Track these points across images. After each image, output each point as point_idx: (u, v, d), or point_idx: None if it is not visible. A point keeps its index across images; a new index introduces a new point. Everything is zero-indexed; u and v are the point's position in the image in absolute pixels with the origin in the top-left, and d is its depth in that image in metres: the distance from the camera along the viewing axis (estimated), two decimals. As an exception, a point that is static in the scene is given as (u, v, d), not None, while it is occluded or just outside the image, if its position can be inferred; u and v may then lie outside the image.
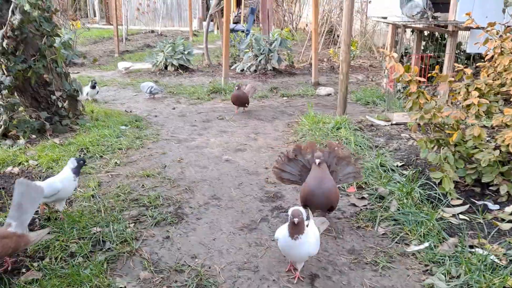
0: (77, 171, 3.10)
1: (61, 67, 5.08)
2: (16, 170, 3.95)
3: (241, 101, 5.93)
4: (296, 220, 2.27)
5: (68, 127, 5.04)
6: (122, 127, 5.23)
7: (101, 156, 4.28)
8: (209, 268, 2.58)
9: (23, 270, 2.53)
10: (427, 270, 2.53)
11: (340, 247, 2.79)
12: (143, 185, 3.69)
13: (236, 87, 5.83)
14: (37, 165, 4.04)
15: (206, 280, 2.46)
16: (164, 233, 2.96)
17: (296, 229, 2.31)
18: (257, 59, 8.78)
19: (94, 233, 2.87)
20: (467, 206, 3.14)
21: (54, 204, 3.11)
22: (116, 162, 4.13)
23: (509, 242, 2.69)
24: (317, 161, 2.85)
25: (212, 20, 12.70)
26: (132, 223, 3.06)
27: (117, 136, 4.85)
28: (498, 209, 3.10)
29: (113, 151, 4.43)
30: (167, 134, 5.14)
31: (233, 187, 3.70)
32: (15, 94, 4.82)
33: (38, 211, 3.20)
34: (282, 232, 2.42)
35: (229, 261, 2.65)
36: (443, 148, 3.38)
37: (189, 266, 2.60)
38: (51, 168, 3.95)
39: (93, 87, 6.75)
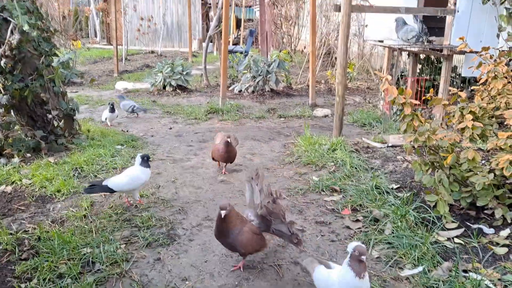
0: (145, 164, 3.63)
1: (58, 86, 5.10)
2: (9, 188, 3.93)
3: (231, 157, 4.54)
4: (364, 257, 2.19)
5: (63, 146, 5.03)
6: (117, 146, 5.22)
7: (95, 176, 4.26)
8: (200, 291, 2.54)
9: (10, 291, 2.49)
10: (421, 295, 2.49)
11: (333, 271, 2.75)
12: (136, 205, 3.66)
13: (227, 139, 4.36)
14: (30, 184, 4.02)
15: (196, 303, 2.41)
16: (155, 254, 2.92)
17: (363, 266, 2.21)
18: (255, 80, 8.84)
19: (84, 254, 2.83)
20: (462, 229, 3.11)
21: (129, 195, 3.66)
22: (110, 182, 4.10)
23: (504, 266, 2.66)
24: (223, 213, 2.59)
25: (211, 41, 12.84)
26: (123, 244, 3.03)
27: (112, 155, 4.83)
28: (493, 233, 3.07)
29: (108, 171, 4.41)
30: (162, 154, 5.13)
31: (227, 208, 3.66)
32: (12, 112, 4.83)
33: (28, 230, 3.17)
34: (336, 275, 2.28)
35: (220, 284, 2.61)
36: (437, 171, 3.36)
37: (179, 288, 2.56)
38: (45, 187, 3.93)
39: (112, 110, 6.26)
